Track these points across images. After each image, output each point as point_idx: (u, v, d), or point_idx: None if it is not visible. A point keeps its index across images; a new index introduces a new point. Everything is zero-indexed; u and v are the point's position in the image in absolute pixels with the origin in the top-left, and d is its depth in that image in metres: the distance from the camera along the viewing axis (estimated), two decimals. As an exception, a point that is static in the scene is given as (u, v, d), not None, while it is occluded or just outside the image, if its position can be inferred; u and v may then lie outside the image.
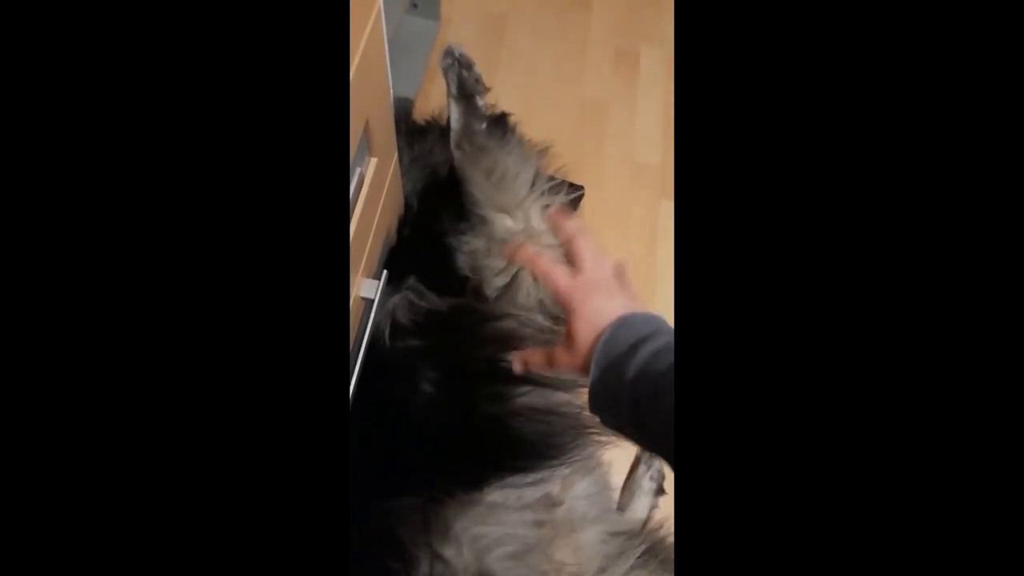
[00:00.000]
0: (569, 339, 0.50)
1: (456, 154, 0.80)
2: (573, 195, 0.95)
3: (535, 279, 0.70)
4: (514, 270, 0.74)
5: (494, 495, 0.65)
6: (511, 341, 0.73)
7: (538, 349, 0.57)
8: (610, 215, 1.07)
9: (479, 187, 0.78)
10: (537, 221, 0.76)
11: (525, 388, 0.70)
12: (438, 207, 0.78)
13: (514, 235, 0.75)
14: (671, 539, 0.74)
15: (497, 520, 0.64)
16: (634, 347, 0.43)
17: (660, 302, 1.00)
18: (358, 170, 0.50)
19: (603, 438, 0.74)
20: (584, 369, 0.48)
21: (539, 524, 0.65)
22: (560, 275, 0.53)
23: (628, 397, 0.42)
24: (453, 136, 0.82)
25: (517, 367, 0.59)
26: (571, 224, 0.57)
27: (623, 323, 0.46)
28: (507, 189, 0.77)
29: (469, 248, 0.75)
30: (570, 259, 0.56)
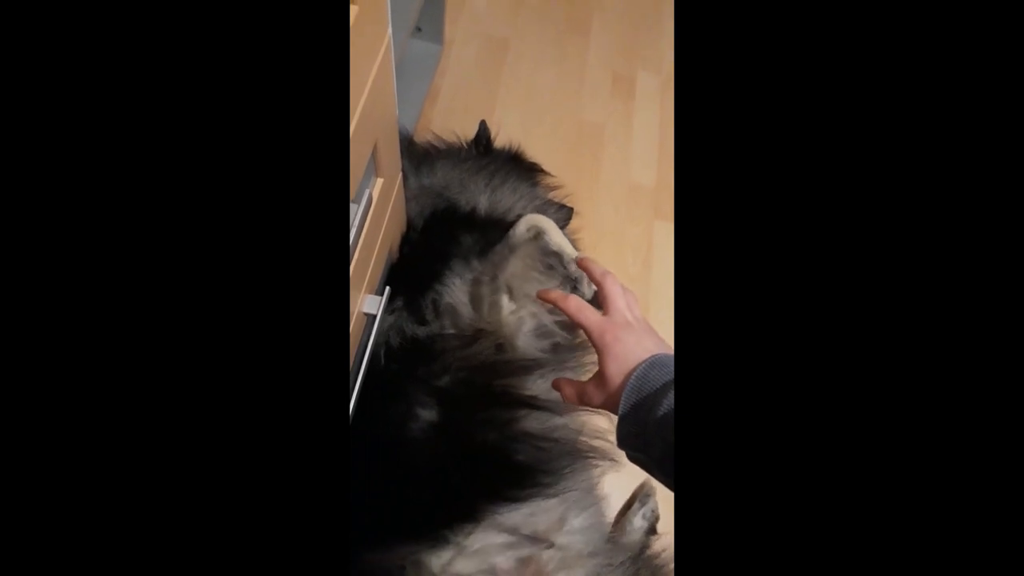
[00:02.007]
0: (600, 377, 0.50)
1: None
2: (564, 212, 0.96)
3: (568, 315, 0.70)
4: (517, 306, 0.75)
5: (489, 534, 0.64)
6: (504, 366, 0.73)
7: (571, 381, 0.57)
8: (606, 235, 1.09)
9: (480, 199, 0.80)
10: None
11: (522, 412, 0.70)
12: (437, 235, 0.79)
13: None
14: (670, 566, 0.74)
15: (489, 564, 0.63)
16: (666, 386, 0.44)
17: (655, 320, 1.02)
18: (367, 191, 0.52)
19: (599, 464, 0.74)
20: (614, 406, 0.48)
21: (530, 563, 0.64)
22: (591, 314, 0.53)
23: (658, 435, 0.43)
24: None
25: (568, 393, 0.56)
26: (599, 267, 0.58)
27: (654, 363, 0.46)
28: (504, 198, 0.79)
29: (456, 288, 0.75)
30: (600, 300, 0.56)
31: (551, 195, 0.99)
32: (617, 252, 1.08)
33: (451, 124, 1.09)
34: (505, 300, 0.77)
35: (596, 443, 0.76)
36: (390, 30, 0.48)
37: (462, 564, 0.62)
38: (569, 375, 0.79)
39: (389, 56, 0.49)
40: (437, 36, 1.14)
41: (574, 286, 0.82)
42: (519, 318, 0.77)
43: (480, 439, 0.67)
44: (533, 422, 0.71)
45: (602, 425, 0.80)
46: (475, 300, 0.76)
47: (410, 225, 0.80)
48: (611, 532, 0.82)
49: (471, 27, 1.28)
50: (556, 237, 0.79)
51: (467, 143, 0.97)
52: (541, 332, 0.79)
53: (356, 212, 0.43)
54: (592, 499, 0.73)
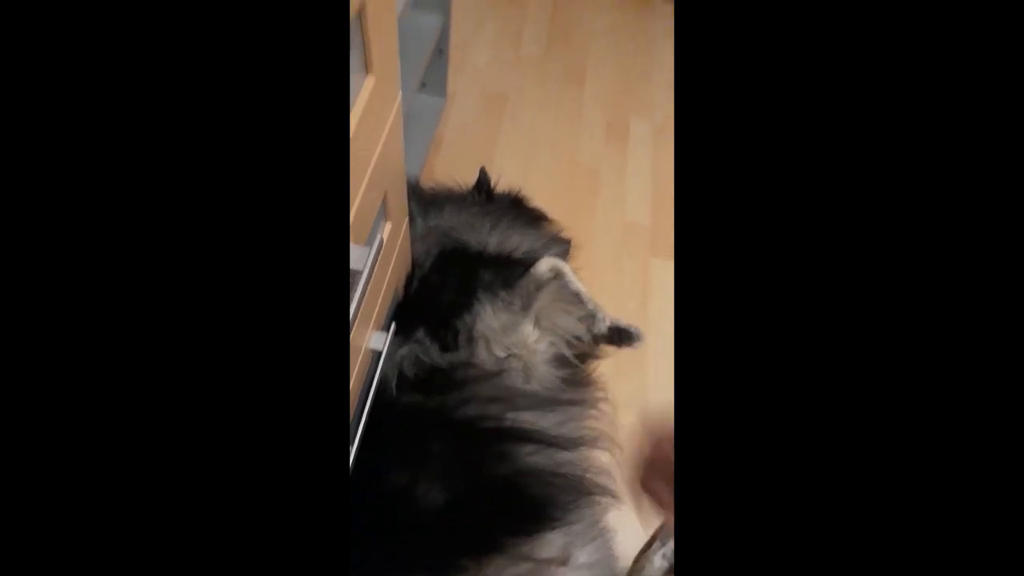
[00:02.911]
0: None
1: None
2: (563, 246, 1.04)
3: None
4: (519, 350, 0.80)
5: (502, 563, 0.65)
6: (513, 399, 0.77)
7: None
8: (604, 272, 1.14)
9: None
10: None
11: (530, 448, 0.73)
12: (449, 270, 0.85)
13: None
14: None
15: None
16: None
17: (653, 352, 1.05)
18: (378, 235, 0.57)
19: (602, 500, 0.76)
20: None
21: None
22: None
23: None
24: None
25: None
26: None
27: None
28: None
29: (488, 316, 0.81)
30: None
31: (556, 235, 1.06)
32: (615, 287, 1.13)
33: (454, 170, 1.16)
34: (530, 328, 0.83)
35: (601, 479, 0.79)
36: (400, 95, 0.54)
37: None
38: (575, 410, 0.84)
39: (399, 117, 0.55)
40: (440, 90, 1.23)
41: (593, 321, 0.90)
42: (541, 346, 0.83)
43: (491, 472, 0.70)
44: (542, 457, 0.73)
45: (606, 461, 0.83)
46: (505, 327, 0.81)
47: (416, 264, 0.85)
48: (630, 571, 0.82)
49: (472, 81, 1.37)
50: (573, 279, 0.88)
51: (470, 189, 1.04)
52: (560, 362, 0.85)
53: (369, 253, 0.48)
54: (597, 532, 0.75)
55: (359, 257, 0.47)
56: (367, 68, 0.45)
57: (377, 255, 0.49)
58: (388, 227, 0.63)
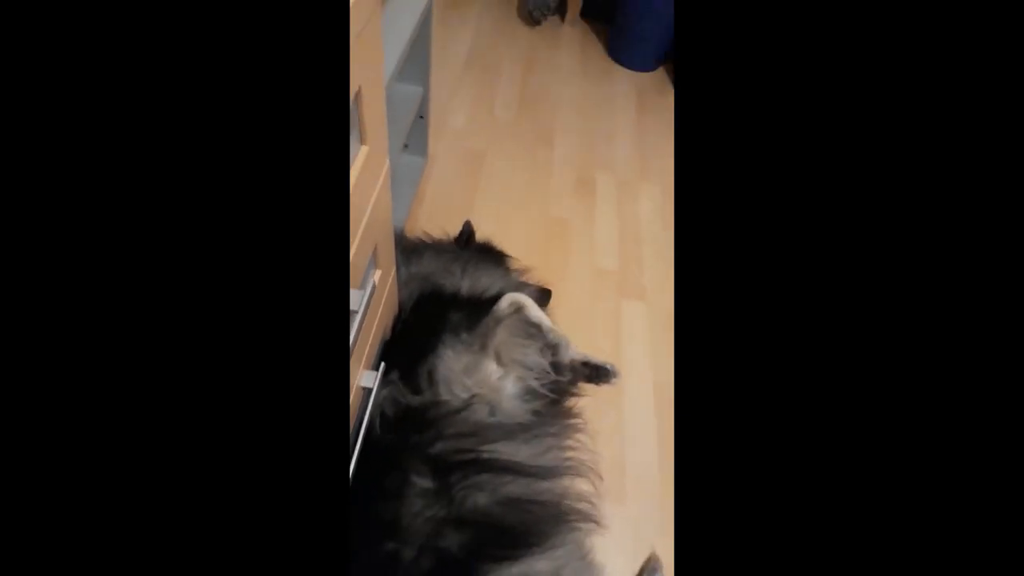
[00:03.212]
0: None
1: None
2: (544, 296, 1.11)
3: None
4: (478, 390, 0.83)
5: None
6: (484, 432, 0.81)
7: None
8: (577, 315, 1.22)
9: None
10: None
11: (507, 478, 0.77)
12: (427, 314, 0.91)
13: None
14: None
15: None
16: None
17: (627, 387, 1.11)
18: (370, 280, 0.64)
19: (582, 526, 0.80)
20: None
21: None
22: None
23: None
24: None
25: None
26: None
27: None
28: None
29: (449, 358, 0.85)
30: None
31: (525, 277, 1.13)
32: (589, 328, 1.20)
33: (436, 221, 1.25)
34: (493, 366, 0.87)
35: (580, 506, 0.83)
36: (388, 161, 0.63)
37: None
38: (550, 440, 0.88)
39: (388, 178, 0.64)
40: (422, 150, 1.33)
41: (554, 351, 0.94)
42: (506, 382, 0.87)
43: (471, 503, 0.74)
44: (519, 487, 0.77)
45: (584, 488, 0.87)
46: (467, 368, 0.85)
47: (401, 307, 0.91)
48: None
49: (451, 142, 1.49)
50: (535, 311, 0.92)
51: (451, 238, 1.13)
52: (528, 395, 0.89)
53: (363, 297, 0.54)
54: (585, 561, 0.78)
55: (355, 299, 0.54)
56: (362, 139, 0.53)
57: (370, 298, 0.55)
58: (378, 273, 0.70)
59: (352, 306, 0.53)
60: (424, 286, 0.95)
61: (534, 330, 0.92)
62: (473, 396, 0.83)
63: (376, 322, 0.74)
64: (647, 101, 1.73)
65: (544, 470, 0.82)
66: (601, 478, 0.90)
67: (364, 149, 0.53)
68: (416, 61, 1.10)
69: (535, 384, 0.89)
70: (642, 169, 1.54)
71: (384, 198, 0.64)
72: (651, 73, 1.81)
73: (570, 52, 1.84)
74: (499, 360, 0.88)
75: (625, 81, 1.78)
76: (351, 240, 0.54)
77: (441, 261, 1.02)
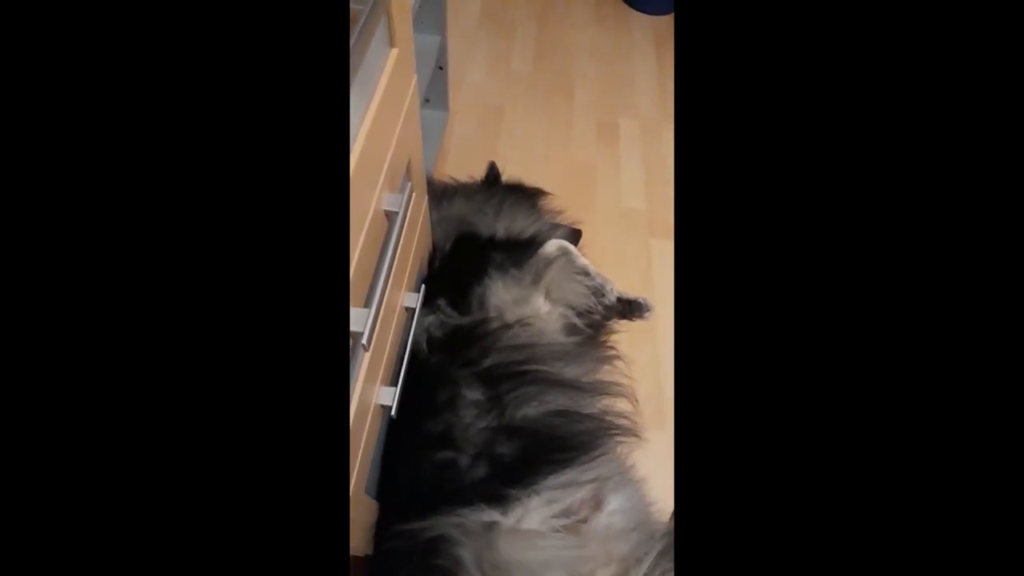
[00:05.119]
0: None
1: None
2: (574, 236, 1.12)
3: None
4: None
5: (532, 517, 0.69)
6: (533, 348, 0.84)
7: None
8: (608, 254, 1.22)
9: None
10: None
11: (555, 391, 0.79)
12: (468, 252, 0.94)
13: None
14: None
15: (536, 546, 0.67)
16: None
17: (660, 324, 1.11)
18: (408, 189, 0.66)
19: (625, 440, 0.82)
20: None
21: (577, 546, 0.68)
22: None
23: None
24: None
25: None
26: None
27: None
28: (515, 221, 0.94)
29: (500, 288, 0.89)
30: None
31: (558, 219, 1.14)
32: (620, 268, 1.20)
33: (461, 170, 1.26)
34: (542, 300, 0.91)
35: (621, 422, 0.85)
36: (415, 77, 0.64)
37: (527, 520, 0.68)
38: (592, 365, 0.91)
39: (416, 96, 0.65)
40: (443, 105, 1.34)
41: (599, 294, 0.98)
42: (552, 317, 0.91)
43: (521, 414, 0.76)
44: (566, 400, 0.80)
45: (625, 408, 0.88)
46: (517, 300, 0.89)
47: (436, 247, 0.94)
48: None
49: (470, 96, 1.50)
50: (580, 257, 0.97)
51: (478, 181, 1.14)
52: (572, 331, 0.92)
53: (401, 200, 0.56)
54: (627, 477, 0.79)
55: (394, 201, 0.56)
56: (391, 41, 0.54)
57: (408, 203, 0.57)
58: (414, 196, 0.72)
59: (392, 207, 0.55)
60: (460, 226, 0.98)
61: (581, 272, 0.96)
62: (520, 319, 0.86)
63: (414, 246, 0.76)
64: (665, 44, 1.69)
65: (588, 386, 0.84)
66: (638, 402, 0.92)
67: (394, 52, 0.55)
68: (431, 9, 1.11)
69: (577, 321, 0.93)
70: (665, 111, 1.52)
71: (413, 114, 0.65)
72: (667, 16, 1.77)
73: (584, 1, 1.81)
74: (548, 296, 0.92)
75: (642, 25, 1.74)
76: (387, 145, 0.55)
77: (473, 203, 1.04)
